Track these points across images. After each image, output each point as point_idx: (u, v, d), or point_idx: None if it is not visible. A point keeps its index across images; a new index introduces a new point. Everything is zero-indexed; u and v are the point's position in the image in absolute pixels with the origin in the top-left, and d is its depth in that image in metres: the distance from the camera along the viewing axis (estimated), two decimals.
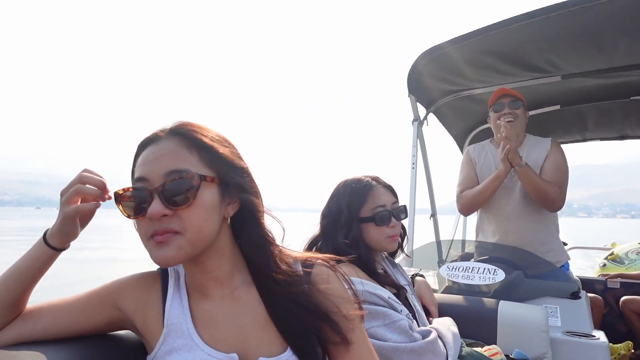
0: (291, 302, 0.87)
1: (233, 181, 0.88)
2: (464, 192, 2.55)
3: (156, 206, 0.79)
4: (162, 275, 0.95)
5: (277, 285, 0.88)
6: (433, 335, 1.31)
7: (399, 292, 1.44)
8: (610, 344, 3.57)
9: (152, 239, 0.81)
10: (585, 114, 3.78)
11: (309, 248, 1.52)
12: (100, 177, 0.90)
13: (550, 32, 2.34)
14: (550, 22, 2.21)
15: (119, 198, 0.84)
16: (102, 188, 0.90)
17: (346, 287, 0.96)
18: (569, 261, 2.53)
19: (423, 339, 1.29)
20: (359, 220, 1.43)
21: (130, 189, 0.83)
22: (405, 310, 1.38)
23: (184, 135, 0.86)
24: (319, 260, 0.96)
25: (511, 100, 2.45)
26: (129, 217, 0.83)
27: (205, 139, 0.86)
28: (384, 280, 1.42)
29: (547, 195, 2.25)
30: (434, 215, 3.61)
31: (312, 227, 1.51)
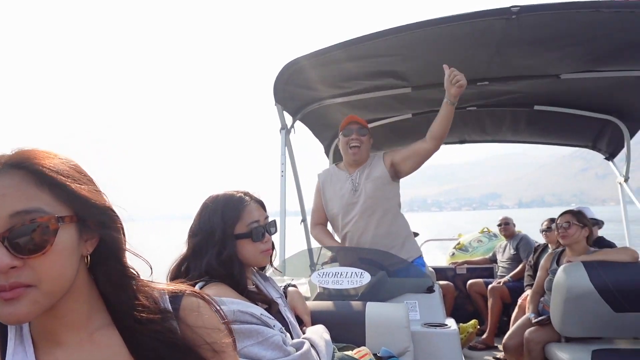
0: (157, 342, 0.80)
1: (92, 218, 0.76)
2: (315, 227, 2.89)
3: (2, 257, 0.65)
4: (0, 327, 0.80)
5: (140, 325, 0.79)
6: (306, 346, 1.33)
7: (271, 307, 1.44)
8: (461, 324, 4.06)
9: None
10: (432, 122, 4.24)
11: (177, 269, 1.43)
12: None
13: (402, 49, 2.59)
14: (402, 40, 2.46)
15: None
16: None
17: (215, 310, 0.91)
18: (422, 255, 2.81)
19: (297, 351, 1.31)
20: (234, 237, 1.40)
21: None
22: (279, 325, 1.38)
23: (30, 169, 0.71)
24: (187, 291, 0.90)
25: (359, 127, 2.71)
26: None
27: (56, 173, 0.72)
28: (256, 296, 1.41)
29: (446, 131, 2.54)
30: (304, 220, 3.70)
31: (178, 247, 1.43)
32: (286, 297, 1.73)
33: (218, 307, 0.92)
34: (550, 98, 3.59)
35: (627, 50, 2.51)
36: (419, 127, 4.34)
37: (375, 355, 1.56)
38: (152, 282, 0.89)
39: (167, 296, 0.87)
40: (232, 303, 1.27)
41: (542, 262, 3.21)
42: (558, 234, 2.90)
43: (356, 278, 2.02)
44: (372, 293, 2.02)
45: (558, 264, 2.99)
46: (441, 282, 4.60)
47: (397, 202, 2.78)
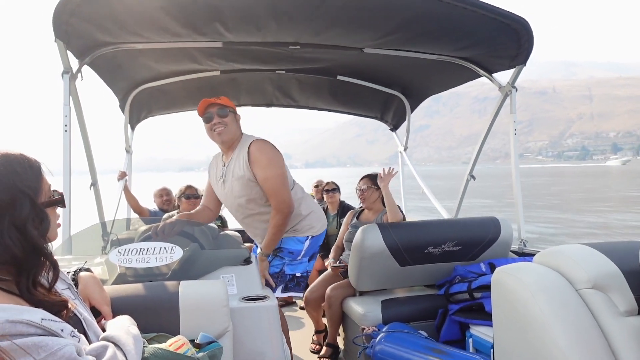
0: None
1: None
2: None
3: None
4: None
5: None
6: (110, 352, 1.06)
7: (58, 305, 1.11)
8: None
9: None
10: (240, 81, 4.09)
11: None
12: None
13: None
14: None
15: None
16: None
17: None
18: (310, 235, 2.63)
19: None
20: (45, 207, 1.05)
21: None
22: (68, 328, 1.06)
23: None
24: None
25: (218, 108, 2.42)
26: None
27: None
28: (39, 296, 1.06)
29: (281, 222, 2.35)
30: (94, 184, 3.16)
31: None
32: (77, 285, 1.39)
33: None
34: (352, 70, 3.82)
35: (418, 34, 2.78)
36: (225, 86, 4.13)
37: (192, 342, 1.39)
38: None
39: None
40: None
41: (345, 219, 3.51)
42: (359, 197, 3.20)
43: (166, 254, 1.77)
44: (184, 270, 1.80)
45: (358, 219, 3.34)
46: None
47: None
